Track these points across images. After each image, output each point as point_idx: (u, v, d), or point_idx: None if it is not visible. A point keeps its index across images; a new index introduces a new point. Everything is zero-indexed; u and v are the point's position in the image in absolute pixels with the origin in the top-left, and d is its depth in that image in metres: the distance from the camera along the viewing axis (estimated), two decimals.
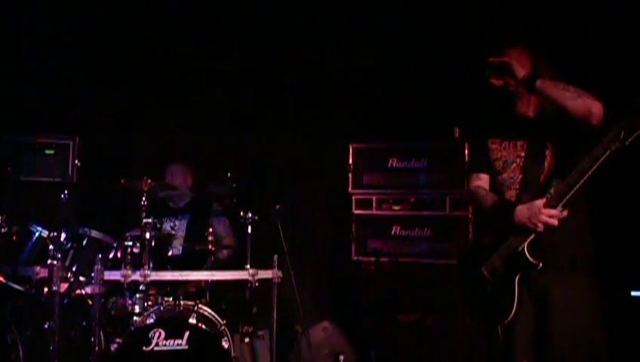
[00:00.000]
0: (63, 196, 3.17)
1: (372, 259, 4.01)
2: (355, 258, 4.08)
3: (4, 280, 3.02)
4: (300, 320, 3.73)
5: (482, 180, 2.36)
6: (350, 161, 4.15)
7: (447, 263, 3.79)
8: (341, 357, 3.72)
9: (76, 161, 4.16)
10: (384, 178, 4.12)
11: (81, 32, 4.21)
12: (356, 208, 4.13)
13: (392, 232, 4.05)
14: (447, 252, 3.88)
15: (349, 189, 4.13)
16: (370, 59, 4.55)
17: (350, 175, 4.14)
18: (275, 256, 3.08)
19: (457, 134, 3.98)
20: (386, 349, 3.81)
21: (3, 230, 3.15)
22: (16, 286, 3.05)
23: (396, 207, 4.07)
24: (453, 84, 4.06)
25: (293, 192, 4.33)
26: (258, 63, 4.50)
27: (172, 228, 3.84)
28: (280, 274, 3.12)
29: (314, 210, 4.49)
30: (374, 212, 4.10)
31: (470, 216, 3.81)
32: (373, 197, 4.11)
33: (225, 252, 3.75)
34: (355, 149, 4.17)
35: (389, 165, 4.12)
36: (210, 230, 3.42)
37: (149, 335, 2.77)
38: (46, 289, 2.97)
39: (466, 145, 3.78)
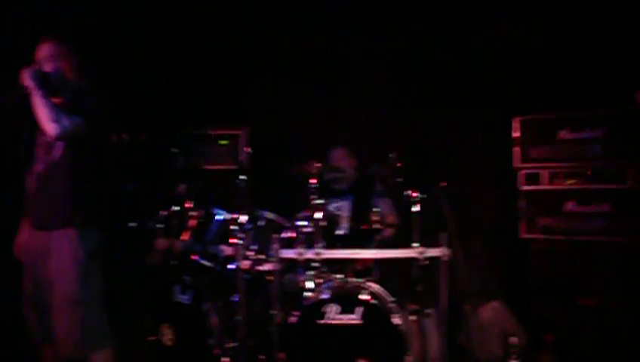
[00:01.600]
0: (239, 181, 3.45)
1: (543, 237, 3.79)
2: (524, 236, 3.89)
3: (197, 258, 3.39)
4: (468, 300, 3.65)
5: None
6: (516, 135, 3.94)
7: (631, 241, 3.45)
8: (513, 339, 3.58)
9: (247, 149, 4.51)
10: (554, 151, 3.85)
11: (245, 29, 4.53)
12: (524, 184, 3.93)
13: (566, 208, 3.79)
14: (629, 229, 3.53)
15: (516, 164, 3.94)
16: (531, 25, 4.26)
17: (516, 149, 3.94)
18: (444, 234, 3.05)
19: (638, 99, 3.58)
20: (563, 334, 3.59)
21: (192, 214, 3.55)
22: (206, 262, 3.41)
23: (570, 181, 3.79)
24: (630, 43, 3.66)
25: (457, 169, 4.24)
26: (416, 41, 4.45)
27: (337, 208, 3.98)
28: (448, 252, 3.09)
29: (479, 187, 4.35)
30: (544, 187, 3.86)
31: None
32: (543, 172, 3.87)
33: (389, 231, 3.80)
34: (521, 122, 3.95)
35: (560, 136, 3.84)
36: (375, 209, 3.50)
37: (324, 309, 2.93)
38: (230, 266, 3.28)
39: None
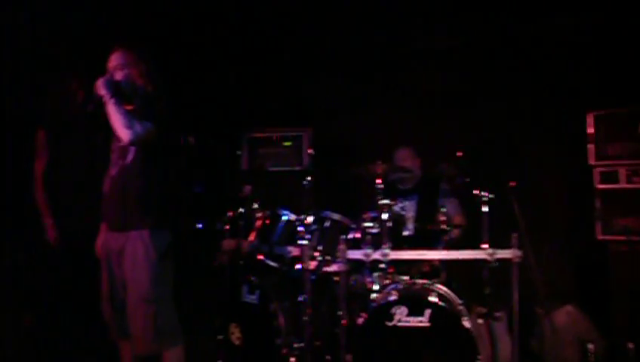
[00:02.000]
0: (305, 182, 3.47)
1: (622, 238, 3.60)
2: (601, 237, 3.70)
3: (262, 258, 3.43)
4: (541, 303, 3.52)
5: None
6: (590, 131, 3.76)
7: None
8: (590, 346, 3.42)
9: (310, 150, 4.53)
10: (633, 147, 3.65)
11: (306, 29, 4.55)
12: (600, 182, 3.74)
13: None
14: None
15: (590, 161, 3.76)
16: (606, 15, 4.05)
17: (590, 146, 3.76)
18: (515, 235, 2.95)
19: None
20: None
21: (259, 215, 3.60)
22: (272, 263, 3.45)
23: None
24: None
25: (527, 168, 4.08)
26: (482, 35, 4.34)
27: (402, 208, 3.93)
28: (519, 253, 2.98)
29: (551, 186, 4.18)
30: (623, 185, 3.67)
31: None
32: (621, 169, 3.67)
33: (456, 231, 3.71)
34: (595, 117, 3.77)
35: (638, 132, 3.64)
36: (441, 210, 3.42)
37: (392, 311, 2.89)
38: (297, 267, 3.30)
39: None
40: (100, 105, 2.65)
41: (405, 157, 3.96)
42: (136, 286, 2.66)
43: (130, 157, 2.75)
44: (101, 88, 2.65)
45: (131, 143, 2.68)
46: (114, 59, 2.80)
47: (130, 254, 2.68)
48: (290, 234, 3.46)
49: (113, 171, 2.80)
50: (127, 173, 2.75)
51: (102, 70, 2.79)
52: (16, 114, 3.46)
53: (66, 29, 3.59)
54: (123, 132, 2.63)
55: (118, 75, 2.76)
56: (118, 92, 2.69)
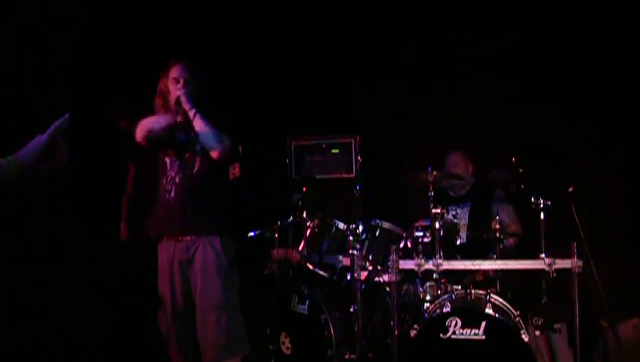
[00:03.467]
0: (355, 192, 3.43)
1: None
2: None
3: (312, 268, 3.42)
4: (605, 315, 3.35)
5: None
6: None
7: None
8: None
9: (358, 158, 4.49)
10: None
11: (355, 35, 4.52)
12: None
13: None
14: None
15: None
16: None
17: None
18: (574, 244, 2.82)
19: None
20: None
21: (308, 223, 3.59)
22: (322, 272, 3.42)
23: None
24: None
25: (586, 172, 3.91)
26: (532, 39, 4.20)
27: (454, 216, 3.84)
28: (580, 263, 2.85)
29: (612, 191, 3.99)
30: None
31: None
32: None
33: (511, 240, 3.59)
34: None
35: None
36: (495, 217, 3.32)
37: (446, 323, 2.81)
38: (348, 276, 3.26)
39: None
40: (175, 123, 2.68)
41: (457, 163, 3.86)
42: (207, 293, 2.67)
43: (197, 165, 2.76)
44: (185, 103, 2.67)
45: (222, 157, 2.71)
46: (176, 72, 2.78)
47: (201, 261, 2.69)
48: (341, 244, 3.44)
49: (176, 179, 2.76)
50: (196, 181, 2.74)
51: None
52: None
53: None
54: (215, 146, 2.67)
55: (187, 88, 2.75)
56: (200, 105, 2.71)
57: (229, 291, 2.72)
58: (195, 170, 2.77)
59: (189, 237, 2.73)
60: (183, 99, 2.68)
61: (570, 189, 3.30)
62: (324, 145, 4.65)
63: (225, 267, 2.71)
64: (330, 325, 3.17)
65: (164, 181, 2.81)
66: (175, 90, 2.76)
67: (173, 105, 2.74)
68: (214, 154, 2.70)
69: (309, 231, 3.56)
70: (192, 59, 2.86)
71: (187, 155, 2.77)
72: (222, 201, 2.80)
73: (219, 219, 2.76)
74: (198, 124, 2.66)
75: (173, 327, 2.77)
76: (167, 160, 2.83)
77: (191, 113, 2.67)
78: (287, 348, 3.37)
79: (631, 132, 3.78)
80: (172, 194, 2.76)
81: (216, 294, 2.67)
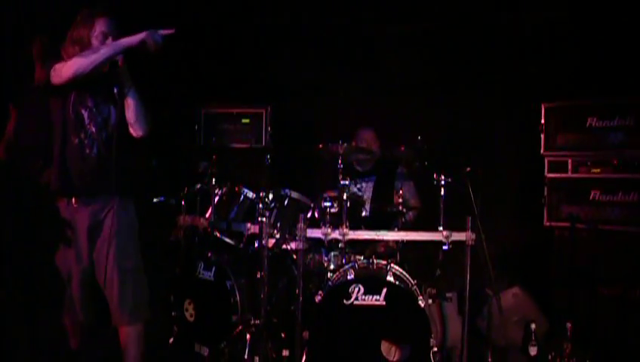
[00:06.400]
0: (266, 160, 3.45)
1: (567, 225, 3.76)
2: (548, 224, 3.87)
3: (219, 235, 3.40)
4: (490, 284, 3.65)
5: None
6: (542, 121, 3.90)
7: None
8: (532, 326, 3.57)
9: (269, 128, 4.50)
10: (581, 138, 3.79)
11: (270, 7, 4.48)
12: (549, 171, 3.89)
13: (591, 197, 3.75)
14: None
15: (542, 151, 3.90)
16: (560, 10, 4.19)
17: (542, 136, 3.90)
18: (469, 219, 3.04)
19: None
20: (583, 322, 3.58)
21: (217, 191, 3.55)
22: (228, 240, 3.42)
23: (596, 170, 3.75)
24: None
25: (483, 154, 4.19)
26: (444, 24, 4.39)
27: (359, 190, 3.98)
28: (473, 236, 3.08)
29: (504, 173, 4.32)
30: (570, 175, 3.83)
31: None
32: (569, 160, 3.83)
33: (410, 214, 3.79)
34: (548, 108, 3.89)
35: (587, 124, 3.79)
36: (398, 192, 3.48)
37: (349, 290, 2.93)
38: (255, 244, 3.28)
39: None
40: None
41: (366, 139, 3.99)
42: (119, 254, 2.58)
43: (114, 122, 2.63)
44: (124, 73, 2.53)
45: (140, 137, 2.64)
46: (104, 26, 2.59)
47: (111, 222, 2.57)
48: (249, 212, 3.45)
49: (96, 135, 2.60)
50: (114, 139, 2.60)
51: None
52: None
53: None
54: (142, 128, 2.62)
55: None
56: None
57: (135, 253, 2.68)
58: (111, 130, 2.64)
59: (103, 197, 2.61)
60: (122, 68, 2.53)
61: (468, 169, 3.54)
62: (234, 114, 4.61)
63: (135, 230, 2.68)
64: (236, 291, 3.19)
65: (82, 135, 2.61)
66: (97, 43, 2.56)
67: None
68: (137, 132, 2.62)
69: (217, 199, 3.52)
70: (116, 16, 2.67)
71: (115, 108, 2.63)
72: (133, 163, 2.71)
73: (130, 181, 2.68)
74: (132, 100, 2.57)
75: (79, 289, 2.66)
76: (85, 112, 2.61)
77: (127, 86, 2.56)
78: (191, 315, 3.35)
79: (527, 119, 4.07)
80: (94, 150, 2.60)
81: (126, 255, 2.61)
